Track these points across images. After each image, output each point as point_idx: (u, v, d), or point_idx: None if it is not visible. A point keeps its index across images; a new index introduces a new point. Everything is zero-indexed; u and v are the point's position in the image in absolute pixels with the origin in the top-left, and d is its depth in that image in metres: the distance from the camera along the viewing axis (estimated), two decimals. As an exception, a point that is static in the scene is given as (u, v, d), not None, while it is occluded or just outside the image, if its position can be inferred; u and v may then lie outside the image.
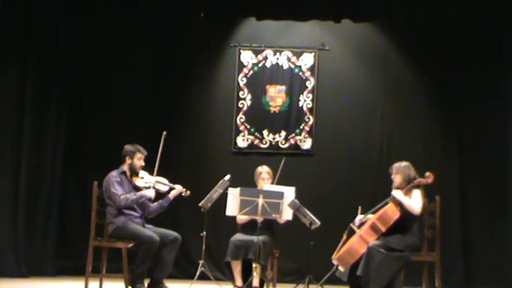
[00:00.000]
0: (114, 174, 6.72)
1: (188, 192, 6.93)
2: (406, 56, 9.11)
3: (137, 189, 6.81)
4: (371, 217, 6.37)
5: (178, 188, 6.90)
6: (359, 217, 6.49)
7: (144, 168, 6.86)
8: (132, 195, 6.64)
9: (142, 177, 6.82)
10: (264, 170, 7.18)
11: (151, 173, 6.83)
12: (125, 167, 6.81)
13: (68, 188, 8.98)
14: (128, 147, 6.83)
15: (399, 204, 6.26)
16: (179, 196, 6.94)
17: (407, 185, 6.31)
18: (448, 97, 8.92)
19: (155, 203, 6.89)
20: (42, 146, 8.64)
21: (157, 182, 6.82)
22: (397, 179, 6.40)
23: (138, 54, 9.21)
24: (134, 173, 6.81)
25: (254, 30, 9.26)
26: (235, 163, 8.91)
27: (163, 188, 6.87)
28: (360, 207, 6.58)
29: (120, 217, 6.62)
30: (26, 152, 8.36)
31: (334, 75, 9.21)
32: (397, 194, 6.27)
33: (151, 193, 6.75)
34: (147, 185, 6.80)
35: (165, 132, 6.92)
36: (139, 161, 6.81)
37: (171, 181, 6.94)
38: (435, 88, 9.01)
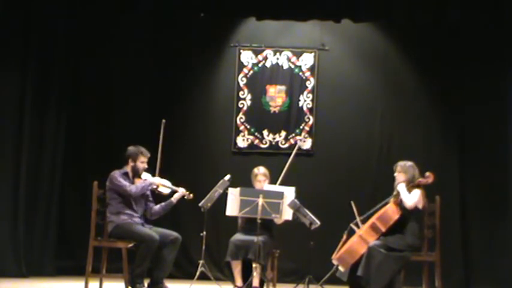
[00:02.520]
0: (117, 172, 6.73)
1: (191, 195, 6.92)
2: (406, 56, 9.11)
3: None
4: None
5: (180, 191, 6.88)
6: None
7: (146, 169, 6.86)
8: (141, 183, 6.66)
9: (145, 179, 6.81)
10: (260, 172, 7.15)
11: (153, 174, 6.82)
12: (128, 169, 6.81)
13: (68, 188, 8.97)
14: (131, 149, 6.80)
15: (400, 203, 6.26)
16: (182, 199, 6.93)
17: (409, 184, 6.31)
18: (448, 97, 8.92)
19: (157, 206, 6.89)
20: (42, 146, 8.64)
21: (159, 184, 6.82)
22: (400, 177, 6.40)
23: (138, 54, 9.21)
24: (137, 175, 6.81)
25: (254, 30, 9.26)
26: (235, 163, 8.91)
27: (166, 191, 6.86)
28: (352, 203, 6.53)
29: (119, 216, 6.63)
30: (26, 152, 8.36)
31: (334, 75, 9.20)
32: (401, 187, 6.27)
33: (158, 181, 6.75)
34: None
35: (164, 120, 6.91)
36: (142, 163, 6.79)
37: (172, 181, 6.93)
38: (435, 88, 9.00)
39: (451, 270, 8.21)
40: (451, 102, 8.90)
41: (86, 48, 9.14)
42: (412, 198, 6.23)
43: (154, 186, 6.79)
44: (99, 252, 6.80)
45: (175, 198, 6.89)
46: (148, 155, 6.82)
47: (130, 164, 6.78)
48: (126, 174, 6.77)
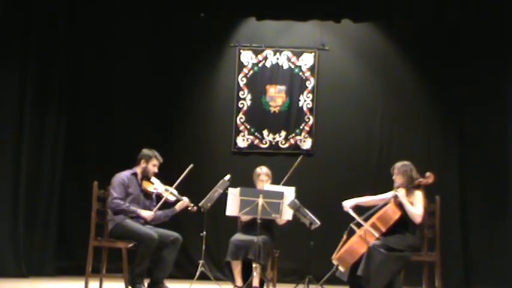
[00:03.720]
0: (123, 175, 6.73)
1: (195, 208, 6.93)
2: (406, 56, 9.11)
3: (145, 193, 6.82)
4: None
5: (185, 201, 6.88)
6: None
7: (155, 175, 6.86)
8: (125, 205, 6.63)
9: (152, 183, 6.82)
10: (262, 172, 7.15)
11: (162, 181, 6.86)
12: (138, 170, 6.82)
13: (68, 188, 8.97)
14: (145, 151, 6.85)
15: (400, 204, 6.26)
16: (185, 210, 6.93)
17: (409, 185, 6.31)
18: (448, 97, 8.92)
19: (160, 211, 6.86)
20: (42, 146, 8.64)
21: (166, 190, 6.82)
22: (398, 179, 6.38)
23: (138, 55, 9.21)
24: (146, 177, 6.82)
25: (254, 30, 9.26)
26: (235, 163, 8.91)
27: (171, 198, 6.86)
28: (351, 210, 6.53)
29: (120, 215, 6.63)
30: (26, 152, 8.35)
31: (334, 75, 9.21)
32: (400, 195, 6.26)
33: (147, 214, 6.72)
34: (155, 191, 6.81)
35: (191, 165, 6.91)
36: (153, 167, 6.82)
37: (172, 182, 6.93)
38: (435, 88, 9.01)
39: (451, 270, 8.22)
40: (451, 102, 8.90)
41: (86, 48, 9.14)
42: (419, 211, 6.21)
43: (142, 218, 6.73)
44: (99, 252, 6.80)
45: (179, 206, 6.89)
46: (161, 160, 6.85)
47: (142, 165, 6.81)
48: (134, 175, 6.79)
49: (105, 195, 6.74)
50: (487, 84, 8.72)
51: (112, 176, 6.78)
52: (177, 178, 6.99)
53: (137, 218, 6.71)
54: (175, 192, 6.88)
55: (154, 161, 6.81)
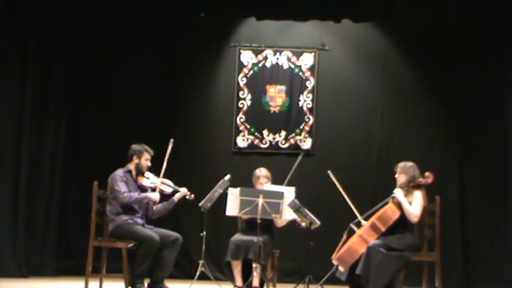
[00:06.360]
0: (119, 172, 6.73)
1: (192, 196, 6.93)
2: (406, 56, 9.11)
3: (142, 188, 6.82)
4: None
5: (182, 191, 6.89)
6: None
7: (149, 169, 6.86)
8: (136, 194, 6.64)
9: (148, 178, 6.83)
10: (262, 175, 7.13)
11: (156, 174, 6.83)
12: (131, 166, 6.82)
13: (68, 188, 8.97)
14: (135, 147, 6.83)
15: (399, 203, 6.26)
16: (183, 199, 6.94)
17: (409, 185, 6.31)
18: (448, 97, 8.92)
19: (159, 205, 6.88)
20: (42, 146, 8.64)
21: (162, 183, 6.82)
22: (401, 178, 6.39)
23: (138, 54, 9.20)
24: (140, 173, 6.82)
25: (254, 30, 9.26)
26: (235, 163, 8.91)
27: (168, 190, 6.86)
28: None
29: (120, 216, 6.62)
30: (26, 152, 8.35)
31: (334, 75, 9.21)
32: (398, 194, 6.26)
33: (156, 196, 6.74)
34: (152, 185, 6.80)
35: (172, 140, 6.90)
36: (146, 161, 6.81)
37: (172, 181, 6.93)
38: (435, 88, 9.01)
39: (451, 270, 8.22)
40: (451, 102, 8.90)
41: (86, 48, 9.14)
42: (416, 210, 6.21)
43: (151, 201, 6.77)
44: (99, 252, 6.79)
45: (176, 197, 6.90)
46: (152, 153, 6.84)
47: (135, 161, 6.80)
48: (129, 173, 6.78)
49: (105, 195, 6.74)
50: (487, 84, 8.72)
51: (112, 176, 6.79)
52: (176, 178, 6.99)
53: (145, 212, 6.74)
54: (172, 183, 6.88)
55: (147, 155, 6.81)
